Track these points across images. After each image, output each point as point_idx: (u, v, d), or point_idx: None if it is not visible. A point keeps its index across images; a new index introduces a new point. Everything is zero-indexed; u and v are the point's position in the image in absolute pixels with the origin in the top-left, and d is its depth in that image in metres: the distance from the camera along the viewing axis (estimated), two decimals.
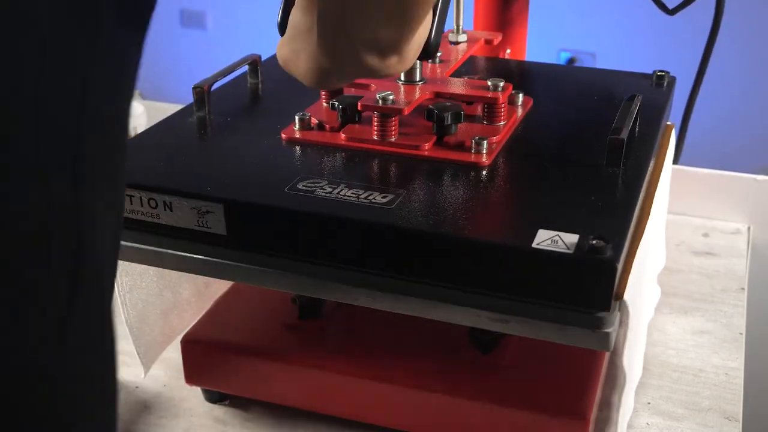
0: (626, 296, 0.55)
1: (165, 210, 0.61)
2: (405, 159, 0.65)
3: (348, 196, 0.59)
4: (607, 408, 0.67)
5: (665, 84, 0.80)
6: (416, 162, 0.65)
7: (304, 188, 0.60)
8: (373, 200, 0.58)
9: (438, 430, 0.68)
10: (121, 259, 0.67)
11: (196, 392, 0.78)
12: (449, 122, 0.66)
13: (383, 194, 0.59)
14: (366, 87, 0.70)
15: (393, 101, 0.65)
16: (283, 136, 0.68)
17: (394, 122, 0.66)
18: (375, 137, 0.66)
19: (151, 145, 0.69)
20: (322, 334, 0.74)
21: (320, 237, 0.58)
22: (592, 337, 0.55)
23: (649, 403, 0.76)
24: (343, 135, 0.67)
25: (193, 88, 0.73)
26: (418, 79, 0.70)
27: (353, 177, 0.62)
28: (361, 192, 0.59)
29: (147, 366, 0.76)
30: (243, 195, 0.60)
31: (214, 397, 0.77)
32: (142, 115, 1.20)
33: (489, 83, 0.69)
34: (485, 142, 0.64)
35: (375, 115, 0.66)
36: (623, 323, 0.57)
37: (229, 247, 0.61)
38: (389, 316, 0.62)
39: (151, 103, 1.31)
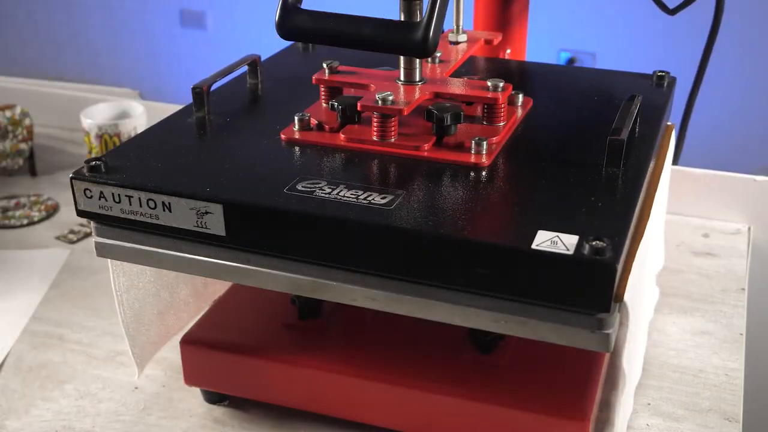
0: (626, 297, 0.55)
1: (164, 210, 0.61)
2: (404, 160, 0.65)
3: (347, 197, 0.59)
4: (607, 409, 0.67)
5: (665, 84, 0.80)
6: (416, 163, 0.64)
7: (303, 189, 0.60)
8: (372, 201, 0.58)
9: (438, 431, 0.68)
10: (120, 259, 0.67)
11: (195, 393, 0.77)
12: (449, 123, 0.66)
13: (382, 195, 0.59)
14: (365, 87, 0.70)
15: (392, 102, 0.65)
16: (283, 136, 0.68)
17: (393, 123, 0.66)
18: (374, 138, 0.66)
19: (150, 146, 0.68)
20: (321, 335, 0.73)
21: (319, 238, 0.58)
22: (592, 338, 0.55)
23: (649, 404, 0.76)
24: (342, 135, 0.67)
25: (192, 88, 0.73)
26: (417, 80, 0.70)
27: (352, 178, 0.62)
28: (360, 193, 0.59)
29: (141, 366, 0.76)
30: (242, 196, 0.60)
31: (213, 398, 0.77)
32: (142, 115, 1.20)
33: (489, 84, 0.69)
34: (485, 142, 0.64)
35: (374, 116, 0.66)
36: (623, 324, 0.57)
37: (228, 247, 0.61)
38: (389, 317, 0.62)
39: (151, 103, 1.31)
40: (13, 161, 1.23)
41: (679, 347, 0.84)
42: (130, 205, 0.62)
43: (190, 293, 0.80)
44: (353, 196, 0.59)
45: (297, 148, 0.67)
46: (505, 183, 0.62)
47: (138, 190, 0.61)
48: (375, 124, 0.66)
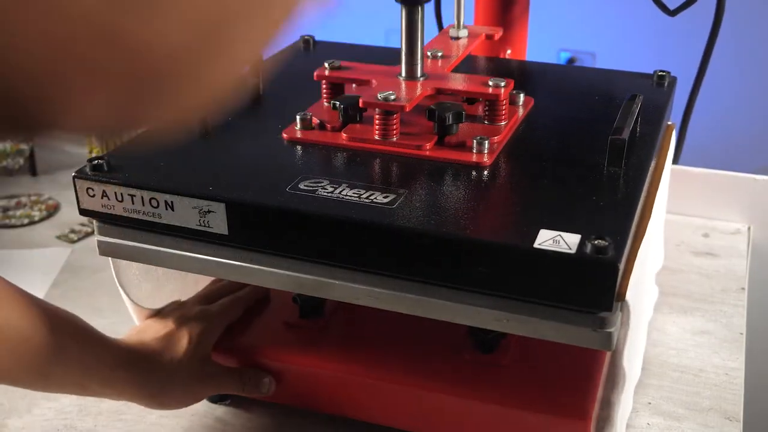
0: (627, 296, 0.55)
1: (166, 209, 0.61)
2: (406, 159, 0.65)
3: (349, 196, 0.59)
4: (607, 407, 0.67)
5: (666, 84, 0.80)
6: (418, 162, 0.64)
7: (305, 188, 0.60)
8: (374, 200, 0.58)
9: (438, 430, 0.68)
10: (122, 258, 0.67)
11: None
12: (450, 122, 0.66)
13: (384, 194, 0.59)
14: (367, 83, 0.70)
15: (395, 98, 0.65)
16: (285, 135, 0.68)
17: (395, 120, 0.66)
18: (376, 137, 0.66)
19: (152, 145, 0.68)
20: (322, 334, 0.74)
21: (322, 237, 0.58)
22: (593, 337, 0.55)
23: (649, 403, 0.76)
24: (344, 135, 0.67)
25: None
26: (419, 75, 0.70)
27: (355, 177, 0.62)
28: (362, 192, 0.59)
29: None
30: (245, 195, 0.60)
31: (214, 397, 0.77)
32: None
33: (490, 81, 0.69)
34: (487, 141, 0.64)
35: (376, 113, 0.66)
36: (624, 323, 0.57)
37: (230, 246, 0.61)
38: (390, 316, 0.62)
39: None
40: (14, 161, 1.23)
41: (679, 347, 0.84)
42: (133, 203, 0.62)
43: (176, 287, 0.79)
44: (355, 195, 0.59)
45: (299, 148, 0.67)
46: (507, 182, 0.63)
47: (140, 189, 0.61)
48: (377, 122, 0.66)
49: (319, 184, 0.60)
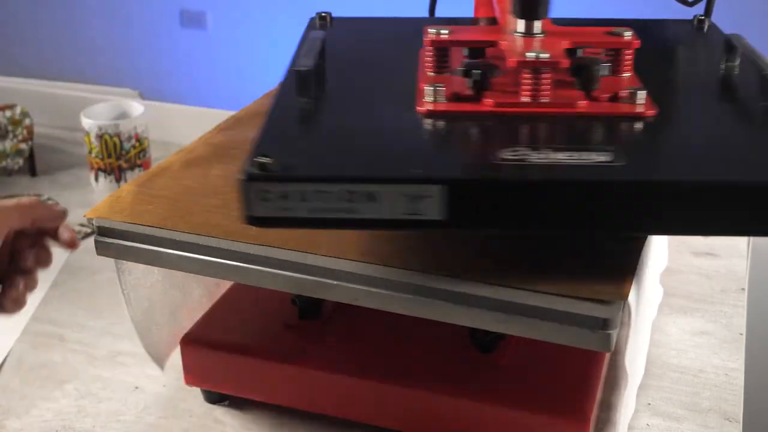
0: (629, 297, 0.55)
1: (368, 202, 0.52)
2: (569, 118, 0.59)
3: (566, 159, 0.52)
4: (608, 408, 0.67)
5: (706, 28, 0.76)
6: (583, 119, 0.58)
7: (512, 157, 0.53)
8: (595, 160, 0.52)
9: (438, 431, 0.68)
10: (120, 258, 0.67)
11: (196, 393, 0.77)
12: (600, 75, 0.60)
13: (598, 153, 0.53)
14: (492, 44, 0.64)
15: (547, 56, 0.58)
16: (421, 109, 0.59)
17: (547, 79, 0.59)
18: (525, 99, 0.59)
19: (297, 135, 0.58)
20: (322, 335, 0.73)
21: (556, 204, 0.51)
22: (593, 338, 0.55)
23: (649, 404, 0.76)
24: (489, 101, 0.59)
25: (294, 71, 0.61)
26: (538, 32, 0.63)
27: (542, 141, 0.56)
28: (573, 154, 0.53)
29: (160, 363, 0.76)
30: (462, 172, 0.53)
31: (213, 398, 0.77)
32: (142, 115, 1.20)
33: (614, 31, 0.64)
34: (642, 92, 0.59)
35: (526, 74, 0.59)
36: (625, 324, 0.57)
37: (450, 229, 0.53)
38: (389, 316, 0.61)
39: (151, 103, 1.31)
40: (13, 161, 1.23)
41: (679, 347, 0.84)
42: (324, 202, 0.52)
43: (203, 293, 0.79)
44: (570, 159, 0.52)
45: (443, 121, 0.59)
46: (695, 128, 0.59)
47: (334, 183, 0.51)
48: (526, 83, 0.59)
49: (518, 152, 0.53)
